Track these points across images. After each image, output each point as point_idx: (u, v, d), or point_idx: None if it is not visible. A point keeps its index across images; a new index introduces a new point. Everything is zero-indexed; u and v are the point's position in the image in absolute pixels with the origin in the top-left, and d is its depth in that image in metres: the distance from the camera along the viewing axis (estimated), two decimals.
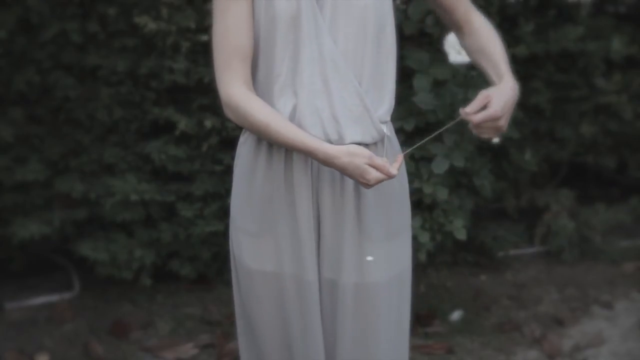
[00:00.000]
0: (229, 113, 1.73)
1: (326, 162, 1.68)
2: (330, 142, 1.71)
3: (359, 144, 1.73)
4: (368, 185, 1.68)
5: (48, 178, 3.14)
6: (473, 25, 1.86)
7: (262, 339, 1.84)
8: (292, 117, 1.71)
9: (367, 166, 1.66)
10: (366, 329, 1.80)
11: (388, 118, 1.80)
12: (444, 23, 1.93)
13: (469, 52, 1.89)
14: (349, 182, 1.75)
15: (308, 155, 1.69)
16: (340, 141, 1.71)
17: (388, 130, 1.80)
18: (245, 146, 1.80)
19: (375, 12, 1.71)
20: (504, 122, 1.69)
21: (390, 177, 1.68)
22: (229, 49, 1.70)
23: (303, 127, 1.70)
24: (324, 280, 1.79)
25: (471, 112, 1.67)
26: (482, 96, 1.68)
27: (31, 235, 3.11)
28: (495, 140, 1.65)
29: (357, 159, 1.66)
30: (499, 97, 1.69)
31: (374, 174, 1.66)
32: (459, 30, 1.89)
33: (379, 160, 1.67)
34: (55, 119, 3.17)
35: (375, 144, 1.77)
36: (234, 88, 1.70)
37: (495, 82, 1.77)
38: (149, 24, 2.98)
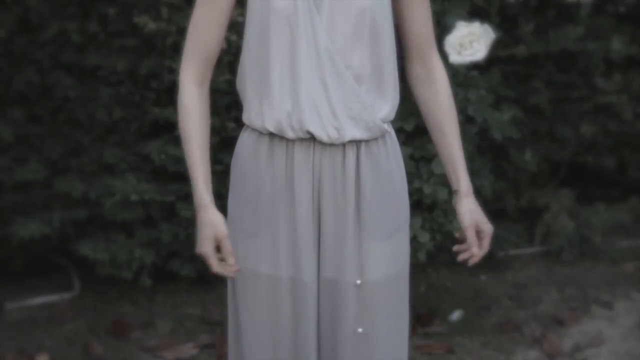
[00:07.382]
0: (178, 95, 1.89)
1: (196, 206, 1.75)
2: (329, 138, 1.71)
3: (359, 140, 1.73)
4: (202, 257, 1.74)
5: (48, 178, 3.14)
6: (433, 75, 1.86)
7: (248, 346, 1.83)
8: (291, 114, 1.71)
9: (210, 249, 1.72)
10: (367, 328, 1.79)
11: (391, 117, 1.79)
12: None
13: (420, 104, 1.89)
14: (350, 181, 1.75)
15: (193, 183, 1.76)
16: (339, 138, 1.71)
17: (388, 127, 1.80)
18: (245, 144, 1.80)
19: (373, 12, 1.71)
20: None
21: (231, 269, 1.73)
22: (194, 42, 1.82)
23: (302, 123, 1.70)
24: (324, 280, 1.79)
25: (473, 246, 1.82)
26: (470, 231, 1.82)
27: (31, 235, 3.11)
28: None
29: (212, 230, 1.72)
30: (478, 216, 1.84)
31: (214, 260, 1.72)
32: (412, 62, 1.87)
33: (228, 247, 1.73)
34: (55, 119, 3.17)
35: (375, 139, 1.76)
36: (186, 79, 1.91)
37: (452, 179, 1.89)
38: (149, 24, 2.98)
